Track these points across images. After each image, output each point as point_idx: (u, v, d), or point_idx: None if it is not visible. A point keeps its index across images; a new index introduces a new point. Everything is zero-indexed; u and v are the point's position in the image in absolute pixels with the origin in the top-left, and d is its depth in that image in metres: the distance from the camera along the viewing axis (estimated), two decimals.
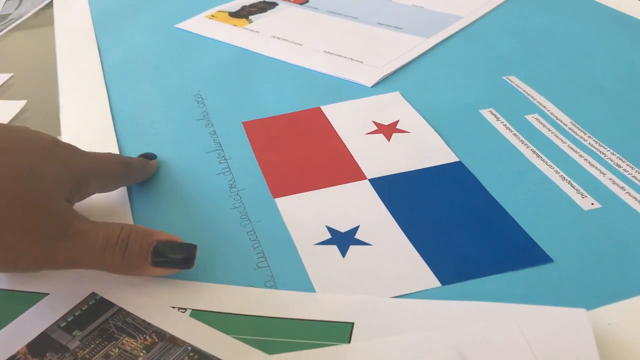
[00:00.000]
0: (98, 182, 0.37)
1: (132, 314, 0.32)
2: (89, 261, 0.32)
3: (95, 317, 0.32)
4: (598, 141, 0.45)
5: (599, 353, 0.28)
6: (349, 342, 0.30)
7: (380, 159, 0.44)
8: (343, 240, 0.36)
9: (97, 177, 0.37)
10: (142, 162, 0.42)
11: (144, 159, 0.42)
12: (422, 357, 0.28)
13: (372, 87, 0.53)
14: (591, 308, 0.32)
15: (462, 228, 0.37)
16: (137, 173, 0.41)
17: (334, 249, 0.36)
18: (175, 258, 0.33)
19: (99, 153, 0.38)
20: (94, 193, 0.37)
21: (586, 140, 0.46)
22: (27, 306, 0.33)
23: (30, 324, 0.32)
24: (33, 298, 0.34)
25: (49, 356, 0.30)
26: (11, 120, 0.51)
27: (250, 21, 0.66)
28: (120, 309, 0.33)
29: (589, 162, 0.43)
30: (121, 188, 0.41)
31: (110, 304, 0.33)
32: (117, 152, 0.46)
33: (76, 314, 0.33)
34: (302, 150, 0.45)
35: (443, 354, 0.28)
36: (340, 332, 0.31)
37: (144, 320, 0.32)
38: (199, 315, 0.32)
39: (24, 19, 0.71)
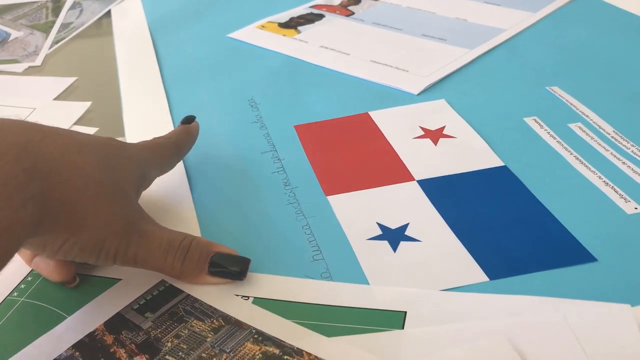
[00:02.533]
0: (157, 169, 0.40)
1: (199, 299, 0.35)
2: (152, 261, 0.34)
3: (165, 301, 0.35)
4: None
5: None
6: (403, 328, 0.32)
7: (427, 161, 0.46)
8: (394, 236, 0.39)
9: (156, 165, 0.40)
10: (185, 133, 0.44)
11: (185, 129, 0.44)
12: (473, 342, 0.30)
13: (418, 94, 0.55)
14: (635, 304, 0.33)
15: (509, 227, 0.39)
16: (186, 146, 0.44)
17: (385, 244, 0.38)
18: (231, 270, 0.35)
19: (148, 142, 0.41)
20: (154, 180, 0.40)
21: (629, 149, 0.47)
22: (102, 289, 0.36)
23: (107, 305, 0.35)
24: (108, 282, 0.36)
25: (124, 334, 0.33)
26: (78, 120, 0.54)
27: (299, 32, 0.69)
28: (188, 295, 0.35)
29: (632, 169, 0.44)
30: (184, 189, 0.44)
31: (179, 291, 0.36)
32: None
33: (147, 298, 0.35)
34: (351, 152, 0.47)
35: (493, 340, 0.30)
36: (394, 319, 0.33)
37: (210, 306, 0.34)
38: (261, 302, 0.35)
39: (85, 27, 0.75)
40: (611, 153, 0.47)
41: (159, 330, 0.33)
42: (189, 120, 0.45)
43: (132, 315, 0.34)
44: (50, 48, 0.69)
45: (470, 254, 0.37)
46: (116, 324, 0.34)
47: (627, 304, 0.31)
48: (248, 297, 0.35)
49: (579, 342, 0.30)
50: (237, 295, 0.35)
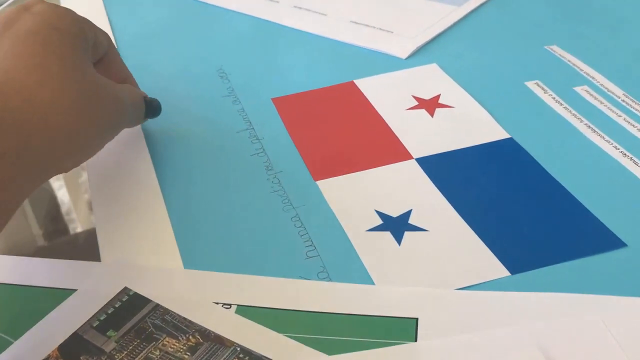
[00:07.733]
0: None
1: (170, 310, 0.29)
2: None
3: (130, 315, 0.29)
4: None
5: None
6: (416, 339, 0.27)
7: (425, 136, 0.40)
8: (396, 225, 0.33)
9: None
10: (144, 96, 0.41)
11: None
12: (502, 357, 0.25)
13: (406, 58, 0.50)
14: None
15: (524, 211, 0.34)
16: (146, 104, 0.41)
17: (387, 235, 0.33)
18: None
19: None
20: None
21: None
22: (53, 304, 0.30)
23: (60, 324, 0.29)
24: (60, 294, 0.31)
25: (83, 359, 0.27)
26: None
27: None
28: (158, 306, 0.30)
29: None
30: (151, 181, 0.38)
31: (146, 300, 0.30)
32: (141, 138, 0.42)
33: (109, 311, 0.30)
34: (339, 127, 0.42)
35: (524, 352, 0.26)
36: (405, 328, 0.28)
37: (184, 318, 0.29)
38: (246, 311, 0.29)
39: None
40: (624, 119, 0.42)
41: (125, 352, 0.28)
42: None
43: (91, 335, 0.29)
44: None
45: (485, 243, 0.32)
46: (73, 346, 0.28)
47: None
48: (230, 305, 0.30)
49: (621, 348, 0.26)
50: (217, 304, 0.30)
